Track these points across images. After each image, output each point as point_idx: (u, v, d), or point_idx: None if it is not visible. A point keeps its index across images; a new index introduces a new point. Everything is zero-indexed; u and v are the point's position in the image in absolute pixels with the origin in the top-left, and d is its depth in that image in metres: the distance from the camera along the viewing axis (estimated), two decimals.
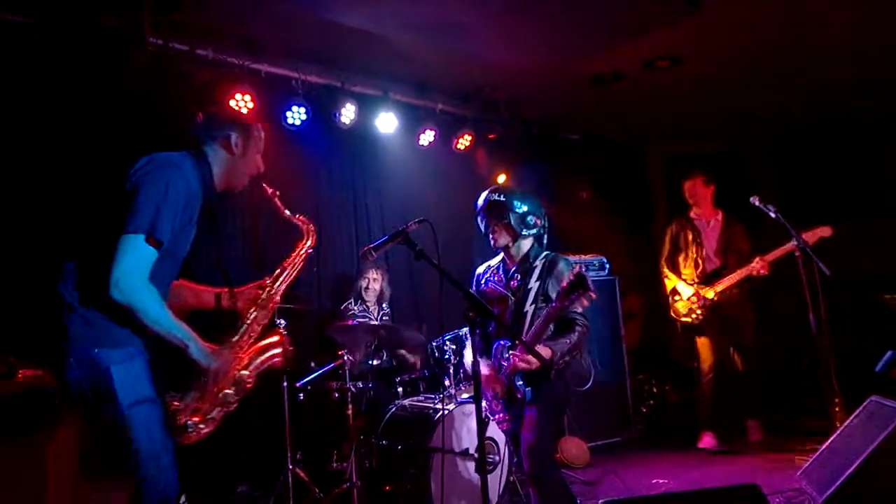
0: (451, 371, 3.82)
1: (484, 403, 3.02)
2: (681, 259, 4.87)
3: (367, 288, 4.43)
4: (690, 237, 4.85)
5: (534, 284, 2.88)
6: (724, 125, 6.15)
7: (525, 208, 2.93)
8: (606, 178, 6.43)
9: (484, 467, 2.25)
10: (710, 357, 4.73)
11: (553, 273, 2.88)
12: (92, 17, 3.61)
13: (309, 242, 2.58)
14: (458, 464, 3.47)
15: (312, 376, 3.88)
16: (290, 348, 2.46)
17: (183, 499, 3.55)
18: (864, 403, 3.27)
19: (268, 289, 2.45)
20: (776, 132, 6.37)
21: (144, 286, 2.01)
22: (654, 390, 5.67)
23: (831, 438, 3.34)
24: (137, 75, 3.75)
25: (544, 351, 2.69)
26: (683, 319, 4.78)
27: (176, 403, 2.17)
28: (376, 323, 4.29)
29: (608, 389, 5.25)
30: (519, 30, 4.26)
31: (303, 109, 4.34)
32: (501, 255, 3.11)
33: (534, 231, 2.95)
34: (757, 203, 4.21)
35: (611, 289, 5.37)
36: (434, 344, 3.99)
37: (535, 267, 2.92)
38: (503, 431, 3.19)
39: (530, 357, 2.64)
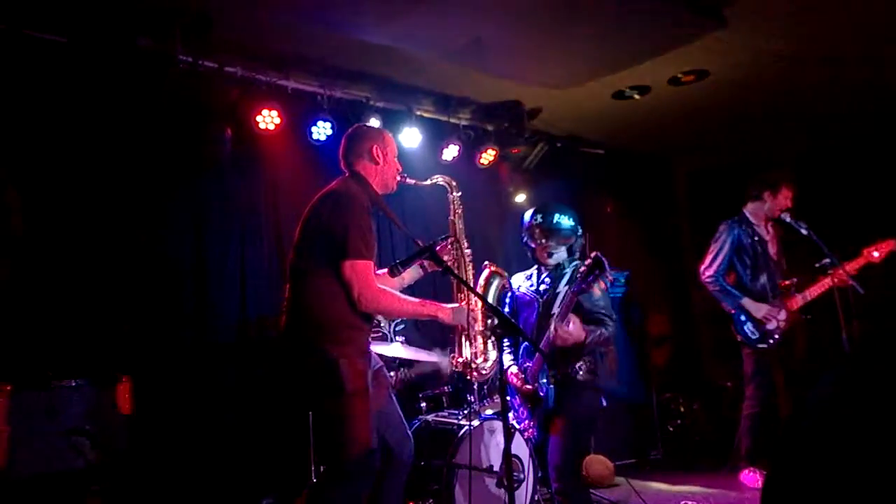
0: (475, 387, 3.79)
1: (510, 413, 3.05)
2: (744, 274, 4.28)
3: None
4: (759, 249, 4.28)
5: (562, 289, 2.99)
6: (751, 139, 6.09)
7: (579, 229, 3.12)
8: (630, 193, 6.38)
9: (511, 482, 2.23)
10: (762, 387, 4.21)
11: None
12: (125, 36, 3.70)
13: (455, 193, 2.96)
14: (482, 481, 3.44)
15: None
16: (501, 270, 3.01)
17: None
18: None
19: (454, 242, 2.82)
20: (805, 146, 6.28)
21: (380, 292, 2.42)
22: (682, 409, 5.57)
23: None
24: (168, 93, 3.83)
25: (580, 330, 2.82)
26: (759, 346, 4.18)
27: (460, 358, 2.67)
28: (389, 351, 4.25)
29: (634, 408, 5.17)
30: (543, 45, 4.27)
31: (328, 124, 4.37)
32: (536, 265, 3.19)
33: (579, 246, 3.13)
34: (788, 219, 4.13)
35: (635, 305, 5.31)
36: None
37: (566, 273, 3.03)
38: (528, 440, 3.21)
39: (570, 331, 2.77)
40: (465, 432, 3.45)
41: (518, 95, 5.07)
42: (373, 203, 2.59)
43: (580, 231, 3.15)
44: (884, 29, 4.15)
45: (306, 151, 4.48)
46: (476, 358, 2.68)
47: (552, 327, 2.84)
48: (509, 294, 3.24)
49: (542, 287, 3.08)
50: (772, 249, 4.36)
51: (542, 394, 2.85)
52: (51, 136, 3.56)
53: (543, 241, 3.09)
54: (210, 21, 3.71)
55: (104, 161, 3.71)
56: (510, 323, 2.31)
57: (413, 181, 2.84)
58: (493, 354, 2.70)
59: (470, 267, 2.82)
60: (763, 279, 4.27)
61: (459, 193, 2.98)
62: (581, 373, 2.91)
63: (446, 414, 3.89)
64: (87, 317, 3.54)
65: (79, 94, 3.62)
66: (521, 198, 5.61)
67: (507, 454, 2.20)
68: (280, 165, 4.45)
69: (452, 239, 2.80)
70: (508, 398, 3.13)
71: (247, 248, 4.24)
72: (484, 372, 2.71)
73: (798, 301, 4.19)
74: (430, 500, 3.43)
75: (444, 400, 4.09)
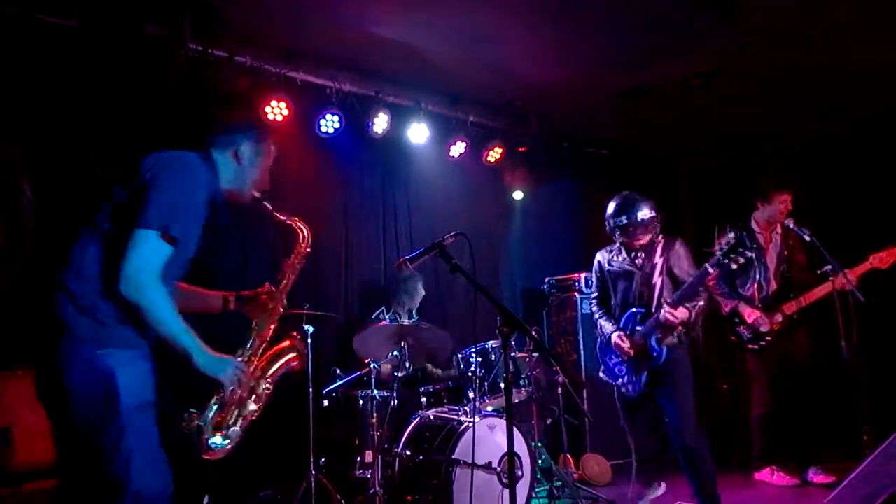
0: (475, 384, 3.81)
1: (603, 373, 3.68)
2: (736, 279, 4.39)
3: (410, 295, 4.49)
4: (754, 255, 4.26)
5: (658, 260, 3.48)
6: (758, 142, 6.09)
7: (656, 214, 3.52)
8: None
9: (513, 480, 2.25)
10: (768, 386, 4.31)
11: (673, 249, 3.48)
12: (134, 23, 3.68)
13: (305, 244, 2.49)
14: (480, 477, 3.46)
15: (338, 384, 3.89)
16: (305, 351, 2.49)
17: (206, 500, 3.60)
18: None
19: (275, 295, 2.40)
20: (812, 150, 6.27)
21: (155, 284, 1.91)
22: None
23: (862, 465, 3.26)
24: (176, 80, 3.82)
25: (682, 312, 3.26)
26: (750, 346, 4.32)
27: (197, 420, 2.08)
28: (407, 323, 4.28)
29: None
30: (552, 44, 4.28)
31: (336, 118, 4.38)
32: (617, 243, 3.63)
33: (658, 224, 3.57)
34: (791, 226, 4.14)
35: None
36: (460, 356, 3.99)
37: (658, 244, 3.51)
38: (623, 394, 3.61)
39: (678, 312, 3.23)
40: (464, 428, 3.47)
41: (526, 94, 5.07)
42: (210, 198, 2.15)
43: (657, 213, 3.52)
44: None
45: (313, 144, 4.48)
46: (218, 429, 2.13)
47: (664, 309, 3.25)
48: (598, 268, 3.68)
49: (638, 261, 3.52)
50: (771, 256, 4.42)
51: (654, 354, 3.33)
52: (58, 121, 3.55)
53: (631, 236, 3.50)
54: (219, 9, 3.71)
55: (110, 148, 3.69)
56: (517, 321, 2.31)
57: (272, 212, 2.39)
58: (239, 427, 2.17)
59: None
60: (751, 286, 4.38)
61: (308, 245, 2.51)
62: (679, 339, 3.40)
63: (446, 409, 3.91)
64: None
65: (87, 79, 3.60)
66: (518, 195, 5.61)
67: (510, 452, 2.21)
68: (287, 157, 4.44)
69: (459, 234, 2.57)
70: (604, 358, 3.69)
71: (249, 235, 4.23)
72: (227, 449, 2.16)
73: (793, 306, 4.25)
74: (429, 496, 3.46)
75: (444, 396, 4.11)
